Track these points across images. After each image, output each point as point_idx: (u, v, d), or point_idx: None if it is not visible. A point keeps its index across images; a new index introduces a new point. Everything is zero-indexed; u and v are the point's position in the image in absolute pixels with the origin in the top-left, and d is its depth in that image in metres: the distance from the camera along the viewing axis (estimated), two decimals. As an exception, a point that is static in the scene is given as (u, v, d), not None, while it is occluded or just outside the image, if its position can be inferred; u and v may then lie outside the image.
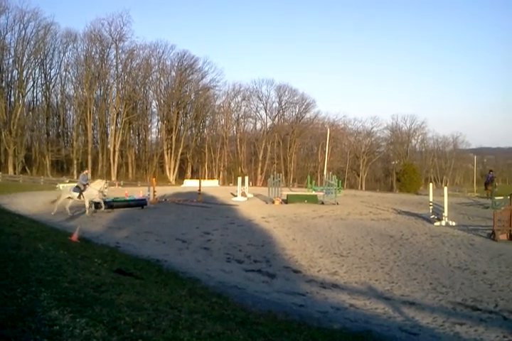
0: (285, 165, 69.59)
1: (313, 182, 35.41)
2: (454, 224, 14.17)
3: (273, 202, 21.49)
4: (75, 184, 18.42)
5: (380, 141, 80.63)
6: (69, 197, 16.61)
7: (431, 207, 16.39)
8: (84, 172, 19.02)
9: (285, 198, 22.15)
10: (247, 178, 27.64)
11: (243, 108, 71.38)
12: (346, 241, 11.38)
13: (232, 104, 70.38)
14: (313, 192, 26.40)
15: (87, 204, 16.49)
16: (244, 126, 73.10)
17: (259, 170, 68.14)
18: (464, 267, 8.60)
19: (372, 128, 77.73)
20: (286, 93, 72.04)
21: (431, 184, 20.70)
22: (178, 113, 63.19)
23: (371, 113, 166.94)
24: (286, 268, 8.50)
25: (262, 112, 72.24)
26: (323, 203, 21.71)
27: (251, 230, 13.10)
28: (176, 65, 63.19)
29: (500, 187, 37.02)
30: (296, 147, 72.01)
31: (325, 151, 46.51)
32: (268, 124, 72.54)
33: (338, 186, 29.35)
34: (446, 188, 16.37)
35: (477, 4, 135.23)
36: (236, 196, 24.40)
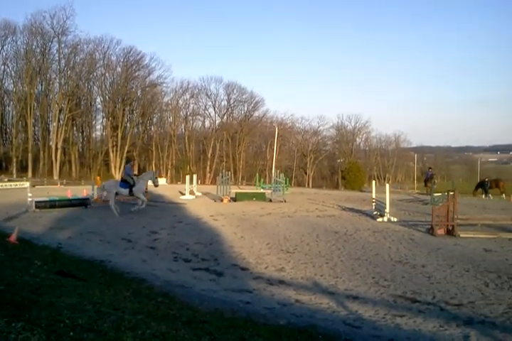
0: (234, 163, 69.67)
1: (262, 180, 35.68)
2: (395, 219, 14.71)
3: (221, 200, 21.44)
4: (111, 180, 17.03)
5: (327, 139, 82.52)
6: (116, 193, 15.19)
7: (374, 204, 16.92)
8: (130, 164, 17.43)
9: (234, 196, 22.17)
10: (195, 176, 27.47)
11: (191, 105, 70.79)
12: (293, 237, 11.54)
13: (181, 102, 69.61)
14: (262, 190, 26.58)
15: (143, 198, 15.37)
16: (192, 123, 72.49)
17: (208, 168, 67.84)
18: (405, 261, 8.95)
19: (318, 127, 79.37)
20: (235, 91, 72.13)
21: (374, 181, 21.39)
22: (124, 110, 61.67)
23: (318, 112, 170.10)
24: (234, 266, 8.52)
25: (211, 110, 71.99)
26: (271, 201, 21.90)
27: (199, 228, 13.03)
28: (122, 60, 61.62)
29: (439, 184, 38.72)
30: (245, 145, 72.25)
31: (273, 149, 46.90)
32: (217, 122, 72.36)
33: (286, 184, 29.74)
34: (388, 185, 16.95)
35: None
36: (184, 194, 24.17)
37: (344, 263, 8.76)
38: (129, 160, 19.41)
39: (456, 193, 12.79)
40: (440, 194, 20.36)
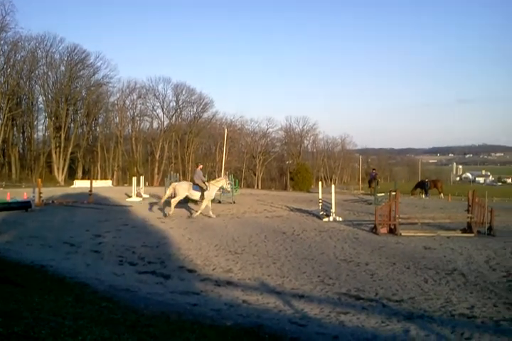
0: (183, 165, 68.90)
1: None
2: (340, 219, 15.09)
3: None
4: (185, 182, 16.49)
5: (275, 141, 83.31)
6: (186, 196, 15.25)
7: (320, 204, 17.27)
8: (200, 168, 16.91)
9: (182, 198, 21.90)
10: (142, 178, 26.90)
11: (139, 106, 69.21)
12: (241, 238, 11.57)
13: (127, 102, 67.92)
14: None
15: (208, 204, 15.39)
16: (140, 124, 70.96)
17: (156, 169, 66.67)
18: (349, 259, 9.19)
19: (267, 129, 79.97)
20: (184, 92, 71.28)
21: (320, 182, 21.80)
22: (67, 109, 59.43)
23: (267, 114, 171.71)
24: (181, 268, 8.44)
25: (159, 111, 70.70)
26: (220, 202, 21.83)
27: (145, 231, 12.79)
28: (66, 59, 59.32)
29: (382, 184, 40.05)
30: (194, 147, 71.62)
31: (223, 151, 46.77)
32: (165, 123, 71.18)
33: (235, 185, 29.75)
34: (333, 186, 17.35)
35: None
36: (131, 197, 23.64)
37: (291, 263, 8.88)
38: (198, 164, 18.98)
39: (398, 193, 13.28)
40: (383, 194, 21.08)
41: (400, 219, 12.66)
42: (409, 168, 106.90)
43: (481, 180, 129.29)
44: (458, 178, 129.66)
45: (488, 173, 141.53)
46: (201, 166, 17.81)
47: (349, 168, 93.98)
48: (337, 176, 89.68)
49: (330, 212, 15.52)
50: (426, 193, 28.92)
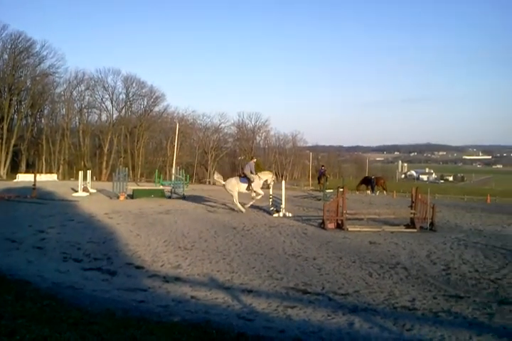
0: (132, 159, 67.59)
1: (162, 176, 35.04)
2: (290, 215, 15.28)
3: (118, 198, 20.72)
4: (231, 179, 16.59)
5: (228, 137, 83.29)
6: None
7: (271, 200, 17.42)
8: (252, 162, 17.10)
9: (131, 193, 21.51)
10: (89, 172, 26.15)
11: (87, 98, 67.31)
12: (191, 234, 11.49)
13: (75, 93, 65.84)
14: (161, 187, 26.11)
15: (260, 192, 15.81)
16: (88, 117, 69.02)
17: (105, 163, 65.00)
18: (298, 254, 9.33)
19: (220, 125, 79.80)
20: (134, 85, 69.86)
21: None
22: (10, 100, 56.80)
23: (219, 109, 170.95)
24: (129, 265, 8.28)
25: (108, 103, 68.94)
26: (170, 197, 21.61)
27: (92, 227, 12.44)
28: (9, 47, 56.67)
29: (331, 181, 40.87)
30: (144, 141, 70.38)
31: (174, 146, 46.25)
32: (114, 116, 69.52)
33: (186, 180, 29.52)
34: (284, 182, 17.53)
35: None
36: (77, 191, 22.95)
37: (241, 258, 8.90)
38: (252, 157, 19.29)
39: (345, 190, 13.62)
40: (332, 190, 21.52)
41: (347, 215, 12.98)
42: (357, 165, 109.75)
43: (425, 177, 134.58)
44: (403, 176, 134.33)
45: (432, 171, 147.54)
46: (255, 160, 18.08)
47: (300, 165, 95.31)
48: (288, 172, 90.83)
49: (280, 207, 15.68)
50: (372, 190, 29.78)
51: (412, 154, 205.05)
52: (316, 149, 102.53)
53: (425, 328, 5.24)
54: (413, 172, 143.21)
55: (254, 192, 16.35)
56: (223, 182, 16.87)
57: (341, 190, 13.67)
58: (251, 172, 16.34)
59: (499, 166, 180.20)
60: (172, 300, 6.22)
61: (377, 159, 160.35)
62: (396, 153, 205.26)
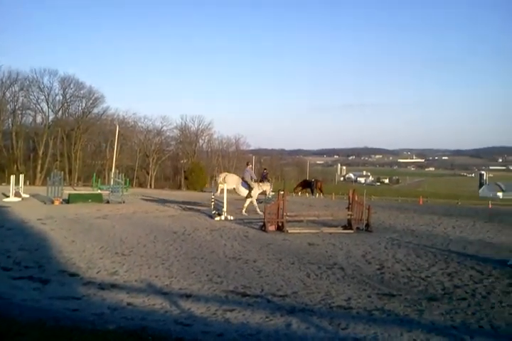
0: (69, 163, 65.10)
1: (99, 180, 34.01)
2: (232, 218, 15.31)
3: (52, 203, 19.88)
4: (234, 175, 16.59)
5: (170, 140, 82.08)
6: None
7: (212, 203, 17.36)
8: (249, 167, 16.95)
9: (67, 198, 20.72)
10: (22, 176, 24.94)
11: (21, 99, 64.13)
12: (130, 239, 11.22)
13: (8, 94, 62.57)
14: (99, 191, 25.33)
15: (255, 203, 15.81)
16: (22, 118, 65.78)
17: (39, 167, 62.14)
18: (238, 257, 9.34)
19: (162, 127, 78.49)
20: (72, 85, 67.36)
21: (213, 182, 21.90)
22: None
23: (161, 112, 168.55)
24: (62, 272, 7.94)
25: (44, 105, 66.01)
26: (108, 202, 21.03)
27: (23, 234, 11.85)
28: None
29: (273, 184, 41.39)
30: (82, 143, 67.97)
31: (113, 149, 45.04)
32: (50, 118, 66.71)
33: (126, 184, 28.81)
34: (225, 186, 17.48)
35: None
36: (8, 196, 21.80)
37: (180, 263, 8.79)
38: (248, 163, 18.88)
39: (286, 192, 13.82)
40: (273, 193, 21.75)
41: (287, 217, 13.18)
42: (298, 168, 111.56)
43: (362, 180, 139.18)
44: (342, 178, 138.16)
45: (369, 174, 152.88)
46: (251, 165, 17.99)
47: (243, 168, 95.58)
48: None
49: (222, 211, 15.66)
50: (313, 192, 30.39)
51: (351, 157, 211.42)
52: (258, 153, 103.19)
53: (359, 326, 5.40)
54: (351, 175, 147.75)
55: (249, 197, 16.44)
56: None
57: (282, 192, 13.84)
58: (251, 179, 16.44)
59: (431, 169, 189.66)
60: (107, 307, 6.03)
61: (318, 162, 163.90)
62: (335, 156, 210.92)
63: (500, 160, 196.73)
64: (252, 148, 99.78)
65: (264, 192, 16.91)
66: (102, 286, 7.07)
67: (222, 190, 15.82)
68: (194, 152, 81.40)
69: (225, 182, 16.09)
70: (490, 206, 27.76)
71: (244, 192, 16.47)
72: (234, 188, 16.49)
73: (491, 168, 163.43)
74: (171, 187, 65.31)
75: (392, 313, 5.93)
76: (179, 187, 64.59)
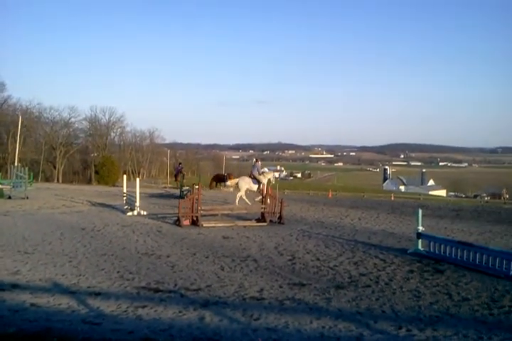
0: (-37, 156, 59.69)
1: (0, 174, 31.57)
2: (145, 213, 14.95)
3: None
4: (246, 177, 17.65)
5: (79, 132, 77.93)
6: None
7: (124, 198, 16.84)
8: (259, 163, 18.16)
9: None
10: None
11: None
12: (33, 237, 10.56)
13: None
14: (0, 186, 23.50)
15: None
16: None
17: None
18: (151, 253, 9.16)
19: (70, 119, 74.28)
20: (-34, 71, 61.72)
21: (125, 176, 21.25)
22: None
23: (69, 102, 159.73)
24: (-45, 274, 7.29)
25: None
26: (10, 198, 19.61)
27: None
28: None
29: (188, 178, 41.01)
30: (-21, 135, 62.56)
31: (16, 141, 41.94)
32: None
33: (30, 179, 27.02)
34: (138, 180, 17.14)
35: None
36: None
37: (89, 260, 8.44)
38: (257, 160, 19.36)
39: (200, 186, 13.74)
40: (188, 187, 21.56)
41: (201, 211, 13.13)
42: (214, 162, 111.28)
43: (277, 174, 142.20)
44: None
45: (283, 168, 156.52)
46: (260, 162, 18.97)
47: (158, 162, 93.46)
48: (145, 170, 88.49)
49: (134, 206, 15.24)
50: (224, 186, 30.39)
51: (265, 152, 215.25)
52: (174, 146, 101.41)
53: (271, 316, 5.54)
54: (266, 170, 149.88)
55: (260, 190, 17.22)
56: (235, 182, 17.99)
57: (196, 187, 13.75)
58: (259, 174, 17.67)
59: (340, 164, 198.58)
60: (8, 309, 5.64)
61: (234, 157, 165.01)
62: (251, 151, 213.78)
63: (402, 156, 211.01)
64: (167, 141, 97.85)
65: (269, 181, 17.92)
66: (1, 287, 6.59)
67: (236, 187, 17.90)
68: (105, 145, 78.05)
69: (237, 186, 17.76)
70: (392, 198, 29.62)
71: (255, 187, 17.55)
72: (237, 184, 17.85)
73: (394, 163, 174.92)
74: (80, 181, 62.33)
75: (303, 302, 6.16)
76: (89, 182, 61.80)
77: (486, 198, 55.91)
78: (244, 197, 17.35)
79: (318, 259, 8.81)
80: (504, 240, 11.11)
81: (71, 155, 73.23)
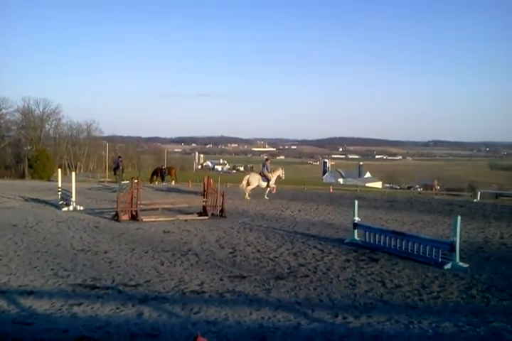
0: None
1: None
2: (82, 208, 14.46)
3: None
4: (255, 174, 19.13)
5: (10, 124, 73.92)
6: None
7: (60, 193, 16.19)
8: (268, 162, 19.21)
9: None
10: None
11: None
12: (-42, 235, 9.93)
13: None
14: None
15: (274, 186, 18.72)
16: None
17: None
18: (87, 249, 8.88)
19: (0, 110, 70.24)
20: None
21: (60, 170, 20.43)
22: None
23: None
24: None
25: None
26: None
27: None
28: None
29: (129, 172, 40.09)
30: None
31: None
32: None
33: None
34: (74, 174, 16.51)
35: None
36: None
37: (21, 258, 8.06)
38: (266, 159, 20.20)
39: (140, 180, 13.47)
40: (127, 181, 21.07)
41: (141, 206, 12.89)
42: (156, 156, 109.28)
43: (219, 168, 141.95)
44: (200, 166, 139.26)
45: (225, 162, 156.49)
46: (269, 161, 19.95)
47: (96, 156, 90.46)
48: (82, 164, 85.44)
49: (70, 201, 14.69)
50: (163, 179, 29.95)
51: (208, 146, 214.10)
52: (113, 139, 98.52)
53: (211, 309, 5.55)
54: (209, 163, 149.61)
55: (269, 186, 18.97)
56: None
57: (136, 181, 13.44)
58: (268, 172, 18.90)
59: (282, 157, 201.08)
60: None
61: (176, 150, 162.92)
62: (193, 144, 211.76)
63: (341, 149, 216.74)
64: (105, 134, 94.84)
65: (278, 177, 19.31)
66: None
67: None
68: (39, 138, 74.49)
69: (248, 184, 18.65)
70: (331, 191, 30.31)
71: (264, 184, 18.81)
72: (247, 180, 18.79)
73: (333, 156, 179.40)
74: (12, 176, 59.21)
75: (243, 294, 6.21)
76: (22, 177, 58.85)
77: (418, 189, 58.56)
78: (248, 192, 18.63)
79: (258, 251, 8.90)
80: (434, 229, 11.71)
81: (2, 148, 69.36)
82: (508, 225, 12.44)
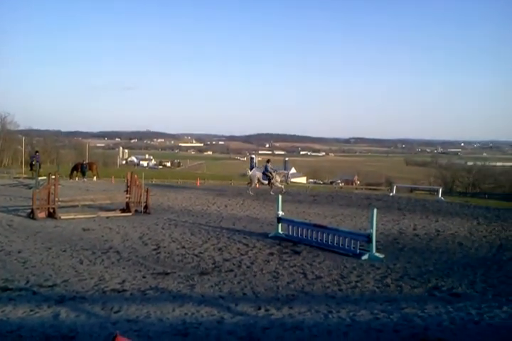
0: None
1: None
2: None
3: None
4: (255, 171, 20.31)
5: None
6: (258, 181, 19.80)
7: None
8: (270, 164, 20.05)
9: None
10: None
11: None
12: None
13: None
14: None
15: (279, 186, 19.83)
16: None
17: None
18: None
19: None
20: None
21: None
22: None
23: None
24: None
25: None
26: None
27: None
28: None
29: (48, 167, 37.99)
30: None
31: None
32: None
33: None
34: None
35: None
36: None
37: None
38: (268, 161, 20.80)
39: (57, 176, 12.83)
40: (45, 177, 20.01)
41: (59, 203, 12.30)
42: (77, 151, 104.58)
43: (145, 163, 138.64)
44: (124, 162, 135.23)
45: (151, 157, 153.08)
46: (271, 162, 20.77)
47: (11, 150, 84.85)
48: (0, 159, 79.84)
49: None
50: (84, 175, 28.84)
51: (133, 141, 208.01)
52: (30, 133, 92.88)
53: (133, 308, 5.42)
54: (134, 159, 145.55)
55: (274, 185, 19.79)
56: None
57: (53, 176, 12.78)
58: (270, 173, 19.67)
59: (210, 153, 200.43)
60: None
61: (98, 145, 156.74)
62: (117, 139, 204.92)
63: (268, 145, 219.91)
64: (21, 128, 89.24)
65: (285, 175, 20.47)
66: None
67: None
68: None
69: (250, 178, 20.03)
70: (257, 186, 30.70)
71: (265, 182, 19.76)
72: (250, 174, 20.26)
73: (260, 152, 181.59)
74: None
75: (166, 291, 6.13)
76: None
77: (340, 184, 60.89)
78: (253, 187, 20.04)
79: (183, 247, 8.83)
80: (353, 222, 12.25)
81: None
82: (420, 217, 13.28)
